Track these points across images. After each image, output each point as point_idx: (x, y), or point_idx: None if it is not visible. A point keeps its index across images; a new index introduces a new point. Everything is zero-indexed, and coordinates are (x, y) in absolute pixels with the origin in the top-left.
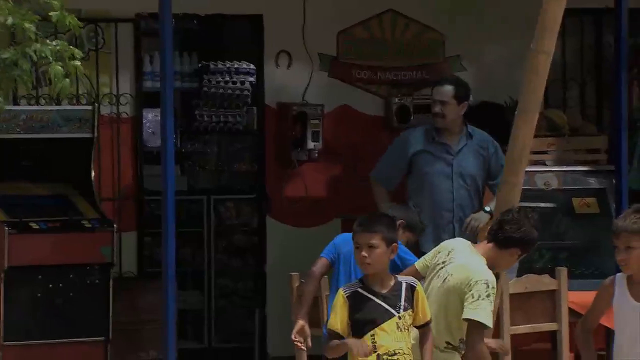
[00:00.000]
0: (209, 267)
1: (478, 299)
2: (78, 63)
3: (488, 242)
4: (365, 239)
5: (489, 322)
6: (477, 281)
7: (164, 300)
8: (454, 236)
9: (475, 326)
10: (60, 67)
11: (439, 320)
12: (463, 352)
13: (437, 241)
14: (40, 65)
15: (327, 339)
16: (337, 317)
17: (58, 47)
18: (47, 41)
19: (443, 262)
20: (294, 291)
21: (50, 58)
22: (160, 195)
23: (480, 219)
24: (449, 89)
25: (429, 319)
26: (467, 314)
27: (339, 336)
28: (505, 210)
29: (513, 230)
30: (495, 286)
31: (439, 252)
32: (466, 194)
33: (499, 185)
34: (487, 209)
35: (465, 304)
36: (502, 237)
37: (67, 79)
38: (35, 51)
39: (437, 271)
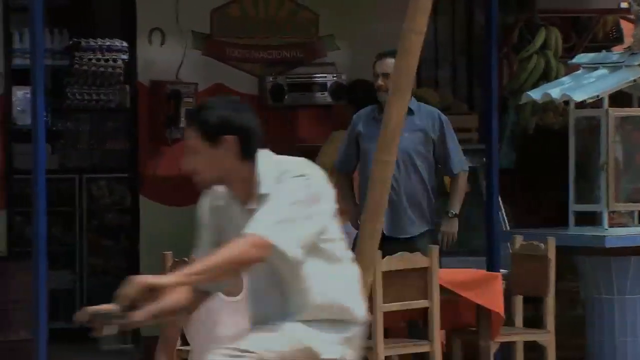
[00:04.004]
0: (80, 246)
1: None
2: None
3: None
4: None
5: None
6: None
7: (35, 280)
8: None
9: None
10: None
11: None
12: None
13: None
14: None
15: None
16: None
17: None
18: None
19: None
20: (167, 270)
21: None
22: (30, 174)
23: (450, 229)
24: (391, 61)
25: None
26: None
27: None
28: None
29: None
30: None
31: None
32: (398, 172)
33: (373, 164)
34: (453, 212)
35: None
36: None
37: None
38: None
39: None
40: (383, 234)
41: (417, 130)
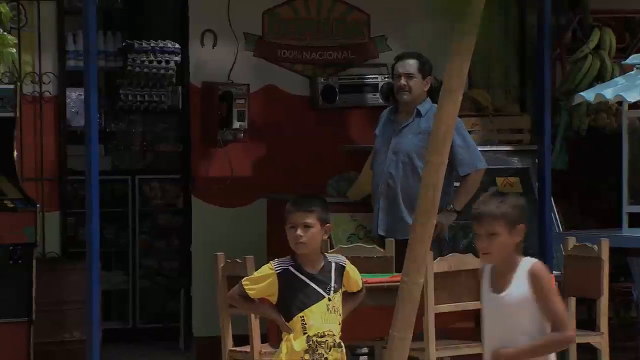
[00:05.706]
0: (133, 247)
1: None
2: (13, 50)
3: None
4: (301, 218)
5: None
6: None
7: (88, 281)
8: (378, 214)
9: None
10: None
11: None
12: None
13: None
14: None
15: (240, 295)
16: (257, 287)
17: None
18: None
19: None
20: (219, 271)
21: None
22: (84, 175)
23: (443, 220)
24: (413, 62)
25: (359, 289)
26: None
27: (250, 299)
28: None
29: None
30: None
31: None
32: (397, 172)
33: (424, 165)
34: (452, 206)
35: None
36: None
37: None
38: None
39: None
40: (379, 234)
41: (421, 132)
